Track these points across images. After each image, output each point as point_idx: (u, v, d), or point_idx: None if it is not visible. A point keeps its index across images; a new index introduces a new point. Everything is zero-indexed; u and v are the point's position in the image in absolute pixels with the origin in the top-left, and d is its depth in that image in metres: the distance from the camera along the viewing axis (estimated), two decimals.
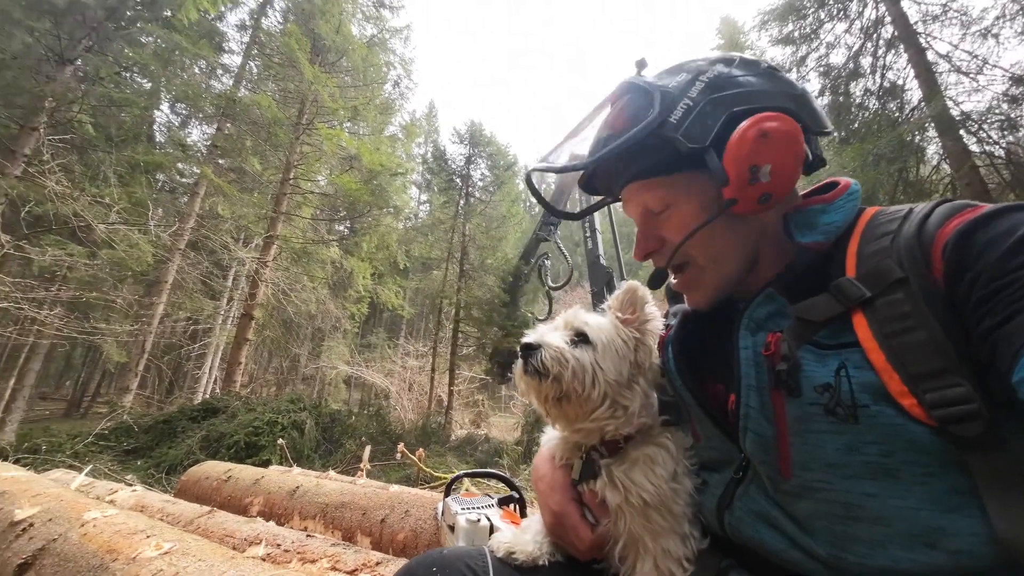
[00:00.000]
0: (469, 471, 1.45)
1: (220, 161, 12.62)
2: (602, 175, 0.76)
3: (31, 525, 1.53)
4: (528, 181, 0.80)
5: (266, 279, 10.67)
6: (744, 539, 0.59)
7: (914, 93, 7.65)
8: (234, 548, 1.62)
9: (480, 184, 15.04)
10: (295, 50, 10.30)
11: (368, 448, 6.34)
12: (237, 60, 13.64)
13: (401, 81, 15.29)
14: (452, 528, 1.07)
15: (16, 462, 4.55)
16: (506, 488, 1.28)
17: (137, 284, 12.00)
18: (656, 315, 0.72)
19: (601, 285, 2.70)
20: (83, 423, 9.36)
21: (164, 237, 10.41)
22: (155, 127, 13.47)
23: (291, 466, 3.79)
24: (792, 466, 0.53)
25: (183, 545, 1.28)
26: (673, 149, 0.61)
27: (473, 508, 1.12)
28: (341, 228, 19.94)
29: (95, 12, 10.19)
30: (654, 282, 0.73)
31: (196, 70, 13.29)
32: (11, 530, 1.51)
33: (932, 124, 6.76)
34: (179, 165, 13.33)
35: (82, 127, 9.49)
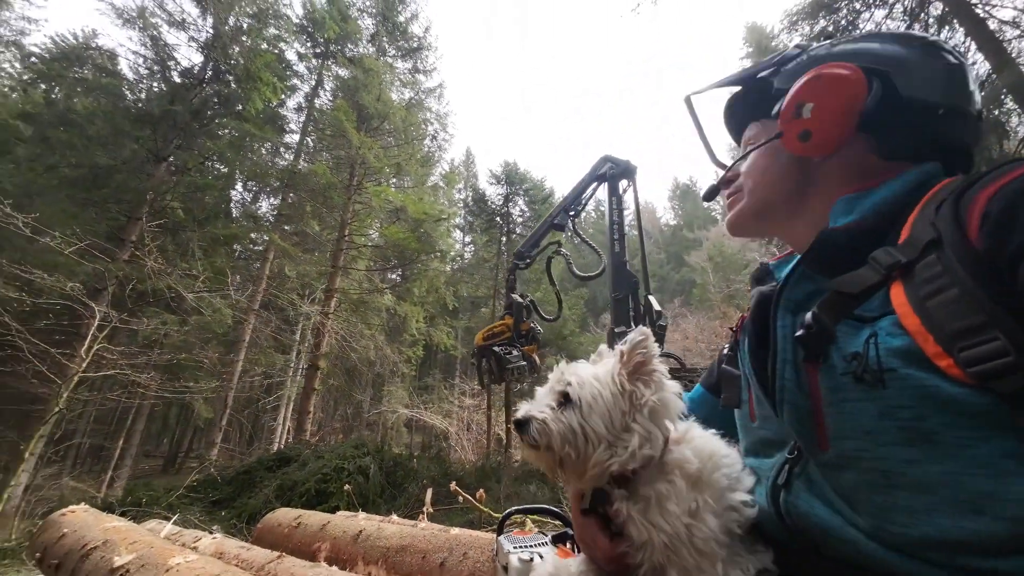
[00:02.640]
0: (520, 507, 1.40)
1: (285, 227, 13.99)
2: (738, 113, 0.86)
3: (127, 571, 1.67)
4: (689, 106, 0.91)
5: (328, 330, 11.38)
6: (800, 517, 0.58)
7: (980, 67, 7.01)
8: None
9: (520, 220, 15.44)
10: (343, 121, 11.46)
11: (430, 491, 6.32)
12: (296, 137, 15.39)
13: (438, 135, 16.40)
14: (505, 568, 1.04)
15: (122, 514, 5.02)
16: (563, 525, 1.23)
17: (220, 345, 13.25)
18: (661, 370, 0.68)
19: (626, 291, 2.49)
20: (177, 477, 10.20)
21: (241, 300, 11.55)
22: (231, 204, 15.31)
23: (357, 512, 3.85)
24: (829, 437, 0.53)
25: None
26: (775, 92, 0.71)
27: (526, 547, 1.08)
28: (393, 276, 21.06)
29: (184, 115, 12.04)
30: (707, 194, 0.84)
31: (263, 151, 15.12)
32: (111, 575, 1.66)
33: (1008, 95, 6.10)
34: (251, 235, 14.94)
35: (174, 212, 11.00)
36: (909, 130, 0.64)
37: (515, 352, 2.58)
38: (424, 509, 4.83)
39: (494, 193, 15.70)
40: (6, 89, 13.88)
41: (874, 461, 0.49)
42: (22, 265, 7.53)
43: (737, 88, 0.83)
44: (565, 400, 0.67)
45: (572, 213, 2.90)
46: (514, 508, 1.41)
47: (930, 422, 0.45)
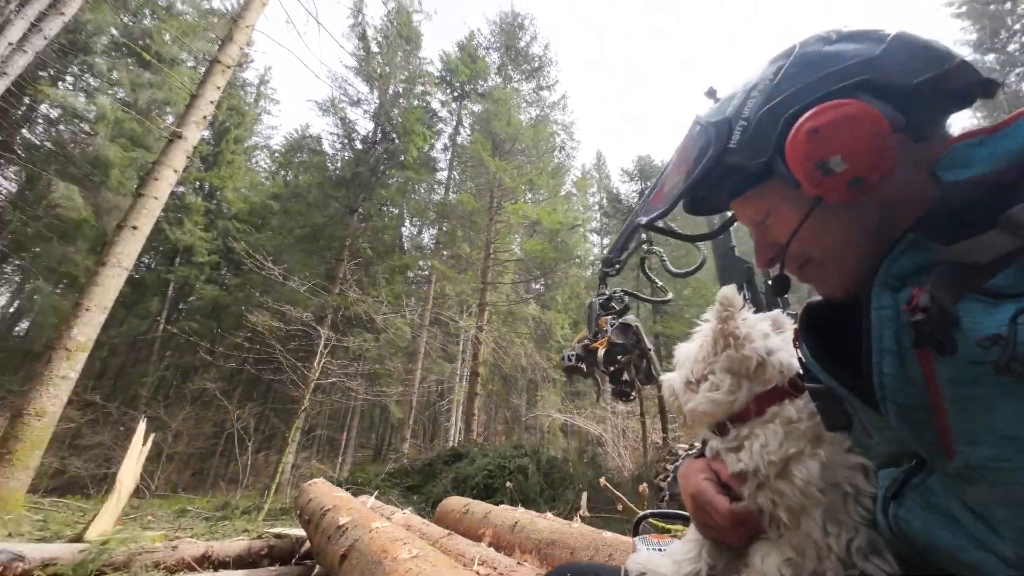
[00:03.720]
0: (653, 511, 1.38)
1: (443, 252, 16.12)
2: (706, 203, 0.79)
3: (347, 528, 2.20)
4: (649, 228, 0.86)
5: (483, 340, 12.57)
6: (912, 535, 0.51)
7: None
8: (462, 565, 1.92)
9: None
10: (480, 152, 12.71)
11: (584, 494, 6.37)
12: (444, 174, 17.67)
13: (566, 145, 16.74)
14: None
15: (347, 489, 6.50)
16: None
17: (403, 356, 15.91)
18: (745, 325, 0.71)
19: (740, 280, 2.02)
20: (381, 465, 12.56)
21: (415, 319, 13.73)
22: (403, 238, 18.40)
23: (516, 506, 4.18)
24: (953, 441, 0.44)
25: (425, 554, 1.62)
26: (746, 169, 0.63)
27: (658, 549, 1.08)
28: (537, 287, 22.05)
29: (365, 174, 15.08)
30: (778, 288, 0.70)
31: (421, 190, 17.78)
32: (337, 531, 2.21)
33: None
34: (419, 262, 17.65)
35: (364, 251, 13.81)
36: (928, 105, 0.55)
37: (570, 356, 2.20)
38: (580, 513, 4.92)
39: (628, 190, 15.17)
40: (262, 178, 19.54)
41: (1019, 473, 0.39)
42: (280, 303, 10.54)
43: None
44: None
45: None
46: (649, 511, 1.40)
47: None
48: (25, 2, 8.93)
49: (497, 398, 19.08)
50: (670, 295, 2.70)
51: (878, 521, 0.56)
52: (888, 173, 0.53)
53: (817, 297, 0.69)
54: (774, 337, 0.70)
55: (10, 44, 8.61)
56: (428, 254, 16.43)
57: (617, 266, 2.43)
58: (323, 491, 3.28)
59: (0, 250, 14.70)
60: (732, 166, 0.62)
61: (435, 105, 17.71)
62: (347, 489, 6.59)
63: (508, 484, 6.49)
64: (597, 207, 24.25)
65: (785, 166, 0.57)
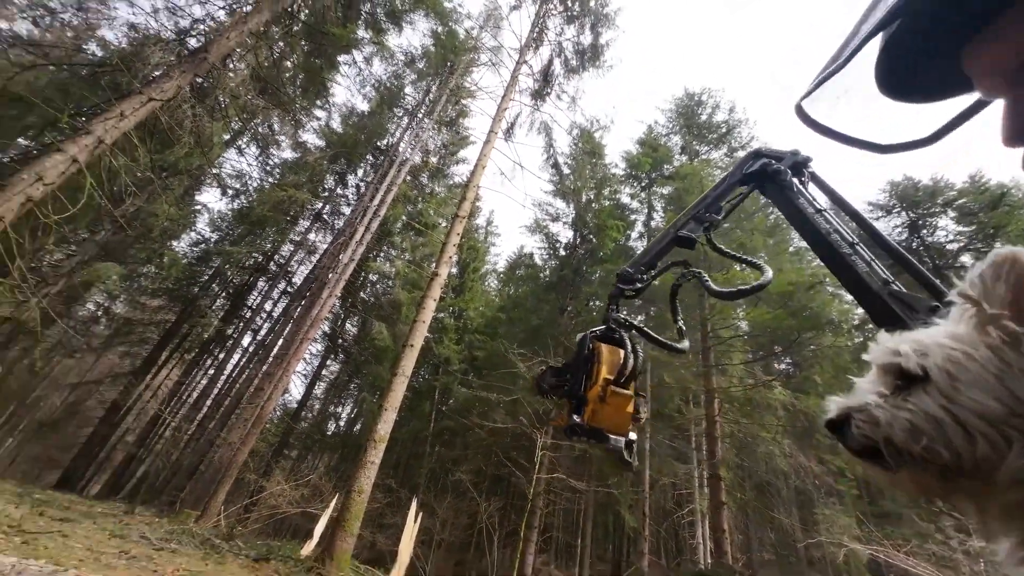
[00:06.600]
0: None
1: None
2: (909, 69, 0.48)
3: None
4: (802, 118, 0.56)
5: (718, 435, 10.68)
6: None
7: None
8: None
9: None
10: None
11: None
12: None
13: None
14: None
15: None
16: None
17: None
18: None
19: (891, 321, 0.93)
20: None
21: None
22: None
23: None
24: None
25: None
26: None
27: None
28: (782, 366, 18.03)
29: (569, 276, 16.57)
30: None
31: None
32: None
33: None
34: None
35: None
36: None
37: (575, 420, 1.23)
38: None
39: (888, 227, 11.59)
40: (492, 296, 23.73)
41: None
42: (505, 404, 11.87)
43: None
44: (905, 380, 0.46)
45: (706, 223, 1.62)
46: None
47: None
48: (362, 216, 14.38)
49: (755, 513, 15.19)
50: (686, 344, 1.61)
51: None
52: None
53: None
54: None
55: (357, 242, 13.83)
56: (639, 341, 15.92)
57: (639, 284, 1.65)
58: None
59: (348, 374, 22.18)
60: None
61: (624, 199, 18.70)
62: None
63: None
64: None
65: None
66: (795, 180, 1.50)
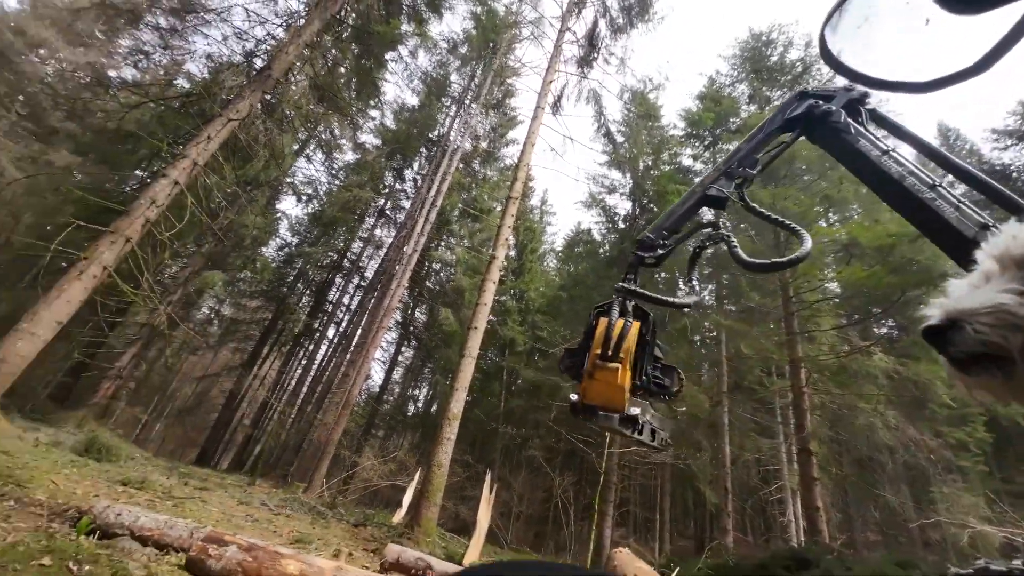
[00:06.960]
0: None
1: (728, 307, 14.41)
2: None
3: None
4: (829, 58, 0.47)
5: (807, 407, 9.85)
6: None
7: None
8: None
9: None
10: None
11: None
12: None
13: None
14: None
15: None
16: None
17: (704, 429, 14.29)
18: None
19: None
20: (696, 560, 10.98)
21: (712, 384, 12.39)
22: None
23: None
24: None
25: None
26: None
27: None
28: (882, 331, 16.08)
29: (629, 249, 15.93)
30: None
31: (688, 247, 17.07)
32: None
33: None
34: (704, 323, 16.32)
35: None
36: None
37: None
38: None
39: (1011, 158, 9.66)
40: (552, 276, 23.62)
41: None
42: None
43: None
44: None
45: (738, 179, 1.24)
46: None
47: None
48: (420, 208, 14.91)
49: (856, 490, 13.94)
50: (691, 298, 1.31)
51: None
52: None
53: None
54: None
55: (419, 234, 14.43)
56: (711, 312, 15.02)
57: (660, 251, 1.36)
58: (625, 560, 3.21)
59: (422, 359, 23.57)
60: None
61: (686, 162, 17.45)
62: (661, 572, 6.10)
63: None
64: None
65: None
66: (850, 121, 1.26)
